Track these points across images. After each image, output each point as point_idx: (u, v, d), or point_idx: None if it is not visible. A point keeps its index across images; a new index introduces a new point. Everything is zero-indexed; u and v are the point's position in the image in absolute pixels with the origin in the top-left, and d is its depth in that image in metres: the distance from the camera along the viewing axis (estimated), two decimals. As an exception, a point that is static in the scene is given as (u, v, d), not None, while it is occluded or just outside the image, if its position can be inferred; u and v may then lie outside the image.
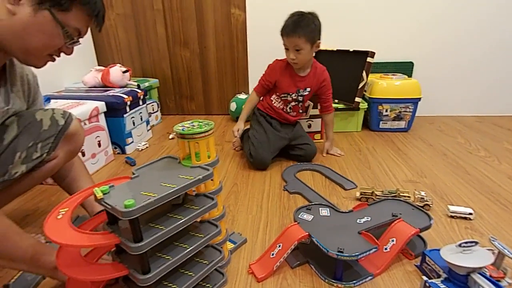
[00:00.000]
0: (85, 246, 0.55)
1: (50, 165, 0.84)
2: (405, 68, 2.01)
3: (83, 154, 1.33)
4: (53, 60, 0.73)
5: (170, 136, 1.83)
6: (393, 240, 0.80)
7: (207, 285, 0.72)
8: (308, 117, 1.70)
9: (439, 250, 0.73)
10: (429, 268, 0.76)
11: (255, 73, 2.09)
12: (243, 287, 0.76)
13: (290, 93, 1.41)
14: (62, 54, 0.74)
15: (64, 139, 0.82)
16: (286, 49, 1.31)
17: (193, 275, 0.66)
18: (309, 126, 1.73)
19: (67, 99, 1.46)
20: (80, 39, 0.73)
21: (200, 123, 0.72)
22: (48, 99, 1.38)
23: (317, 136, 1.75)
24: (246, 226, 1.00)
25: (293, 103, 1.44)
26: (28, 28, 0.64)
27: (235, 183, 1.28)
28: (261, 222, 1.02)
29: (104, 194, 0.55)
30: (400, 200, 0.95)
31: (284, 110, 1.46)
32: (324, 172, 1.35)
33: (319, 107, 1.55)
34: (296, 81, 1.40)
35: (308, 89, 1.42)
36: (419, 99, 1.77)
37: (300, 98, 1.43)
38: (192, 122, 0.73)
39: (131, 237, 0.54)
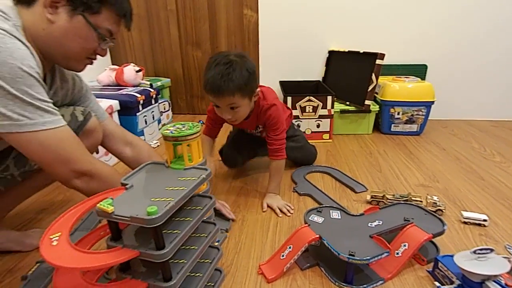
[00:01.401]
0: (103, 266, 0.51)
1: None
2: (419, 71, 1.98)
3: (97, 152, 1.35)
4: (91, 63, 0.77)
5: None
6: (405, 245, 0.79)
7: (210, 284, 0.73)
8: (317, 117, 1.70)
9: (452, 256, 0.72)
10: (441, 274, 0.75)
11: (266, 74, 2.10)
12: (252, 287, 0.77)
13: (246, 129, 1.25)
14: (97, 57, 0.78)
15: (82, 134, 0.85)
16: (216, 106, 1.01)
17: (201, 275, 0.67)
18: (318, 126, 1.72)
19: (82, 97, 1.49)
20: (113, 40, 0.76)
21: (186, 125, 0.72)
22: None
23: (326, 136, 1.74)
24: (256, 225, 1.00)
25: (256, 133, 1.24)
26: (66, 34, 0.68)
27: (245, 183, 1.29)
28: (271, 222, 1.02)
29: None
30: (412, 205, 0.94)
31: (252, 131, 1.24)
32: (334, 175, 1.34)
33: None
34: (242, 124, 1.13)
35: (260, 126, 1.18)
36: (432, 102, 1.74)
37: (258, 134, 1.23)
38: (175, 125, 0.72)
39: (148, 247, 0.53)
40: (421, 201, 1.06)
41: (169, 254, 0.53)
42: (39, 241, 0.89)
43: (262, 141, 1.20)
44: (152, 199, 0.56)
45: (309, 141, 1.73)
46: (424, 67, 1.99)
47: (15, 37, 0.60)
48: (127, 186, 0.62)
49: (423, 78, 1.98)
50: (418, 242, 0.78)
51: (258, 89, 1.03)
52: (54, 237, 0.53)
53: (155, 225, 0.50)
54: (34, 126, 0.62)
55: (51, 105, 0.66)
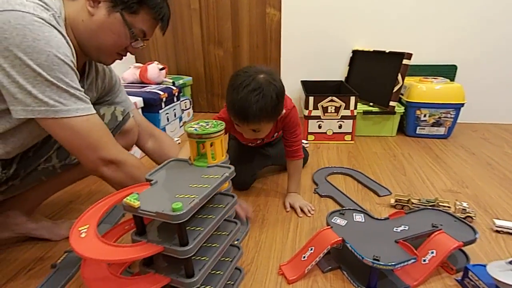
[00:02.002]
0: (129, 260, 0.53)
1: None
2: (448, 72, 1.90)
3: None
4: (121, 58, 0.80)
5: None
6: (432, 252, 0.76)
7: (230, 282, 0.73)
8: (339, 117, 1.67)
9: (484, 266, 0.68)
10: (472, 284, 0.71)
11: (287, 74, 2.08)
12: (273, 287, 0.76)
13: (249, 143, 1.21)
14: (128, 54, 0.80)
15: (120, 133, 0.90)
16: (237, 125, 0.97)
17: (221, 273, 0.67)
18: (340, 127, 1.69)
19: (108, 94, 1.54)
20: (146, 41, 0.79)
21: (210, 123, 0.72)
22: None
23: (348, 137, 1.70)
24: (276, 226, 0.99)
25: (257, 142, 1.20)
26: (102, 27, 0.71)
27: (265, 183, 1.28)
28: (291, 223, 1.01)
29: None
30: (440, 211, 0.90)
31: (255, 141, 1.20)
32: (356, 177, 1.31)
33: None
34: (252, 138, 1.08)
35: (274, 135, 1.17)
36: (462, 104, 1.66)
37: (261, 141, 1.20)
38: (198, 123, 0.73)
39: (172, 242, 0.54)
40: (449, 207, 1.01)
41: (193, 250, 0.54)
42: (68, 232, 0.93)
43: (263, 151, 1.23)
44: (177, 196, 0.57)
45: (330, 142, 1.72)
46: (454, 67, 1.91)
47: (52, 26, 0.62)
48: (151, 182, 0.63)
49: (452, 79, 1.90)
50: (447, 250, 0.74)
51: (284, 111, 0.98)
52: (82, 229, 0.55)
53: (180, 222, 0.50)
54: (68, 112, 0.64)
55: (83, 93, 0.68)
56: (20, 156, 0.78)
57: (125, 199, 0.54)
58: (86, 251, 0.50)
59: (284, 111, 0.98)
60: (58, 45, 0.61)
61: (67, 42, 0.65)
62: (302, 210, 1.06)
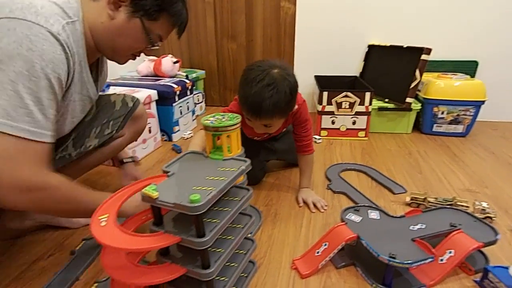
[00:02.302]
0: (148, 249, 0.54)
1: (117, 142, 0.97)
2: (468, 68, 1.84)
3: (135, 139, 1.41)
4: (134, 58, 0.81)
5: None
6: (450, 252, 0.74)
7: (243, 275, 0.73)
8: (353, 113, 1.64)
9: (506, 267, 0.67)
10: (492, 285, 0.70)
11: (301, 68, 2.06)
12: (286, 281, 0.76)
13: (255, 137, 1.17)
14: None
15: (131, 119, 0.94)
16: (249, 119, 0.96)
17: (236, 265, 0.67)
18: (354, 123, 1.66)
19: (123, 86, 1.55)
20: (160, 44, 0.79)
21: (226, 116, 0.71)
22: (108, 85, 1.48)
23: (361, 133, 1.68)
24: (289, 220, 0.99)
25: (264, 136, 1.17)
26: (120, 31, 0.71)
27: (277, 178, 1.27)
28: (304, 218, 1.00)
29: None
30: (459, 210, 0.88)
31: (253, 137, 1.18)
32: (370, 174, 1.29)
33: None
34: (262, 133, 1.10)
35: (283, 130, 1.16)
36: (483, 102, 1.61)
37: (268, 135, 1.17)
38: (214, 116, 0.72)
39: (189, 233, 0.54)
40: (467, 207, 0.98)
41: (210, 242, 0.54)
42: (85, 220, 0.95)
43: (268, 146, 1.22)
44: (194, 188, 0.57)
45: (343, 138, 1.70)
46: (475, 63, 1.85)
47: (57, 40, 0.59)
48: (168, 174, 0.63)
49: (472, 75, 1.84)
50: (466, 250, 0.72)
51: (296, 106, 0.98)
52: (102, 218, 0.56)
53: (198, 213, 0.51)
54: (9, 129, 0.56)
55: (48, 117, 0.61)
56: None
57: (143, 190, 0.55)
58: (107, 239, 0.51)
59: (296, 106, 0.98)
60: (50, 60, 0.58)
61: (67, 59, 0.63)
62: (315, 205, 1.05)
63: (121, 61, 0.80)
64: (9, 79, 0.55)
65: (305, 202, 1.08)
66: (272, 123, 0.95)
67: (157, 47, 0.78)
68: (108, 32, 0.71)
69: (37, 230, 0.93)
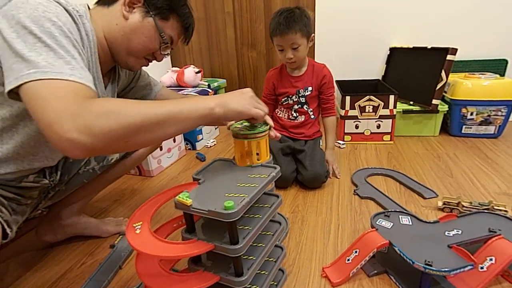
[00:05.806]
0: (182, 256, 0.55)
1: (138, 154, 0.99)
2: (496, 67, 1.76)
3: (161, 148, 1.45)
4: (147, 64, 0.83)
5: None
6: (491, 259, 0.71)
7: (273, 283, 0.73)
8: (377, 117, 1.61)
9: (554, 276, 0.62)
10: (539, 296, 0.65)
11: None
12: (317, 289, 0.75)
13: (290, 96, 1.31)
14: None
15: None
16: (281, 50, 1.21)
17: (266, 273, 0.67)
18: (378, 127, 1.63)
19: (148, 97, 1.61)
20: (172, 48, 0.81)
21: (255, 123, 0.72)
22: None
23: (386, 137, 1.64)
24: (317, 227, 0.98)
25: (296, 106, 1.33)
26: (135, 30, 0.74)
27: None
28: (332, 224, 0.99)
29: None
30: (497, 214, 0.84)
31: (290, 117, 1.35)
32: (398, 178, 1.25)
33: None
34: (293, 82, 1.31)
35: (310, 88, 1.30)
36: (515, 101, 1.54)
37: (303, 100, 1.31)
38: (242, 123, 0.73)
39: (222, 241, 0.55)
40: (506, 211, 0.94)
41: (243, 249, 0.54)
42: (115, 228, 0.98)
43: (298, 148, 1.29)
44: (226, 194, 0.57)
45: (368, 142, 1.67)
46: (504, 62, 1.77)
47: (67, 10, 0.61)
48: (199, 181, 0.64)
49: (502, 74, 1.76)
50: (508, 257, 0.68)
51: (313, 34, 1.22)
52: (136, 226, 0.57)
53: (232, 220, 0.51)
54: (58, 75, 0.54)
55: (81, 61, 0.59)
56: (62, 162, 0.84)
57: (177, 197, 0.56)
58: (143, 246, 0.52)
59: (313, 36, 1.22)
60: (65, 22, 0.59)
61: (79, 30, 0.63)
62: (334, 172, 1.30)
63: (135, 66, 0.81)
64: (37, 38, 0.54)
65: (328, 164, 1.29)
66: (297, 42, 1.17)
67: (168, 51, 0.80)
68: (124, 33, 0.73)
69: (66, 240, 0.96)
